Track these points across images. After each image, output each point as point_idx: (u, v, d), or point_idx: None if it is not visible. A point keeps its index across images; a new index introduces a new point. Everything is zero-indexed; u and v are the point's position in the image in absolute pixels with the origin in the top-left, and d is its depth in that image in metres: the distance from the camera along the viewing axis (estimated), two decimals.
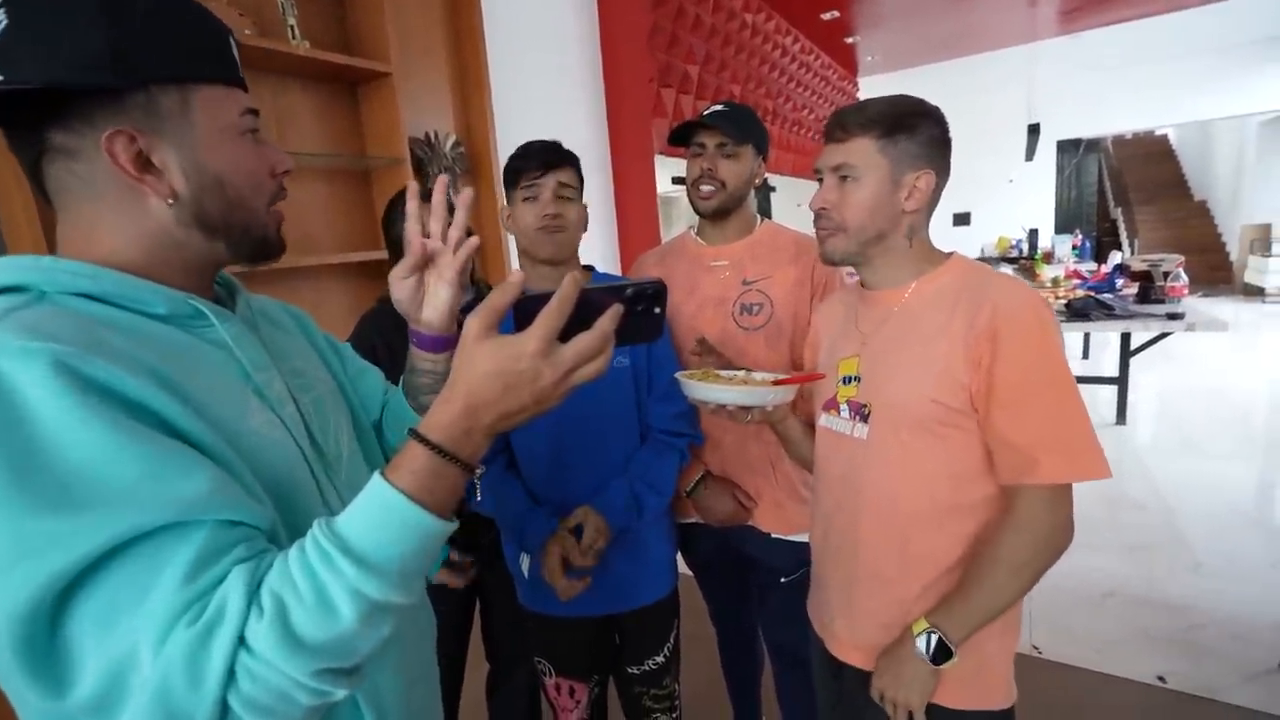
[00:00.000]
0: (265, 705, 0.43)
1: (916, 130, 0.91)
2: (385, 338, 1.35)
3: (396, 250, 1.43)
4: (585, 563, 1.12)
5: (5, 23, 0.47)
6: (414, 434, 0.49)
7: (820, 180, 0.97)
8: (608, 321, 0.50)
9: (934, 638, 0.88)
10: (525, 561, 1.24)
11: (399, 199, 1.45)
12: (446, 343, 0.76)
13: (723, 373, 1.11)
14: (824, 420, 1.06)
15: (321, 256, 1.92)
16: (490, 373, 0.48)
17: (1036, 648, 2.11)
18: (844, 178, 0.93)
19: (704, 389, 0.99)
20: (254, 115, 0.59)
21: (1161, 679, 1.95)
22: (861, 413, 0.98)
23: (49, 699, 0.41)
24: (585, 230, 1.25)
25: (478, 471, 0.51)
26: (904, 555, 0.95)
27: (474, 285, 1.51)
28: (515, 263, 2.39)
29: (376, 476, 0.48)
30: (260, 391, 0.58)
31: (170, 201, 0.54)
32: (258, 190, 0.60)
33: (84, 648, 0.41)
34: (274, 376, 0.61)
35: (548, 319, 0.49)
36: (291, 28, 1.86)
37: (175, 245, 0.56)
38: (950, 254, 0.98)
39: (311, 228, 2.01)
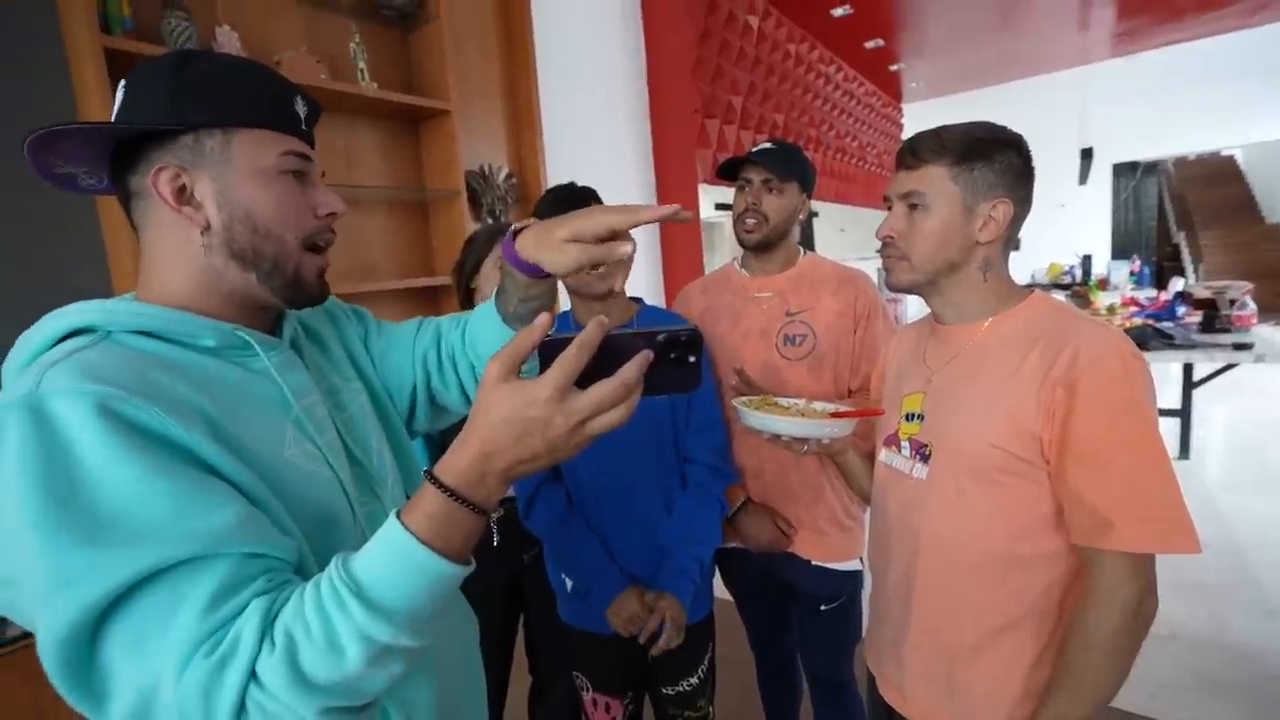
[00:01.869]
0: None
1: (993, 158, 0.86)
2: None
3: (467, 294, 1.47)
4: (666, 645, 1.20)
5: (122, 98, 0.59)
6: (429, 476, 0.50)
7: (889, 208, 0.94)
8: (632, 370, 0.48)
9: None
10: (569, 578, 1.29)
11: (474, 239, 1.50)
12: (537, 271, 0.67)
13: (781, 400, 1.10)
14: (884, 456, 1.02)
15: (381, 282, 2.03)
16: (505, 419, 0.48)
17: None
18: (913, 206, 0.89)
19: (762, 419, 0.99)
20: (301, 159, 0.63)
21: None
22: (922, 452, 0.94)
23: (92, 713, 0.46)
24: None
25: (494, 515, 0.50)
26: (957, 607, 0.90)
27: None
28: (563, 298, 2.48)
29: (392, 518, 0.49)
30: (300, 422, 0.61)
31: (203, 230, 0.59)
32: (289, 225, 0.62)
33: (118, 670, 0.45)
34: (316, 401, 0.64)
35: (563, 365, 0.47)
36: (361, 71, 2.01)
37: (217, 276, 0.60)
38: (1031, 290, 0.93)
39: (372, 255, 2.13)
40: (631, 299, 1.34)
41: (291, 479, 0.57)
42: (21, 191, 1.41)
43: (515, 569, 1.51)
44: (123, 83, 0.59)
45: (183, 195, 0.58)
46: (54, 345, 0.54)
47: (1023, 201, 0.89)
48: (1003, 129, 0.90)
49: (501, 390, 0.48)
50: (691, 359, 0.52)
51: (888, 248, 0.94)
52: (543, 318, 0.50)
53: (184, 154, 0.58)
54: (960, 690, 0.91)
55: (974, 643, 0.89)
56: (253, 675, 0.45)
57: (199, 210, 0.59)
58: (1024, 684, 0.88)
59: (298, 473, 0.58)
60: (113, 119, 0.58)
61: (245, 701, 0.45)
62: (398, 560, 0.48)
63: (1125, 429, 0.78)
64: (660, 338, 0.50)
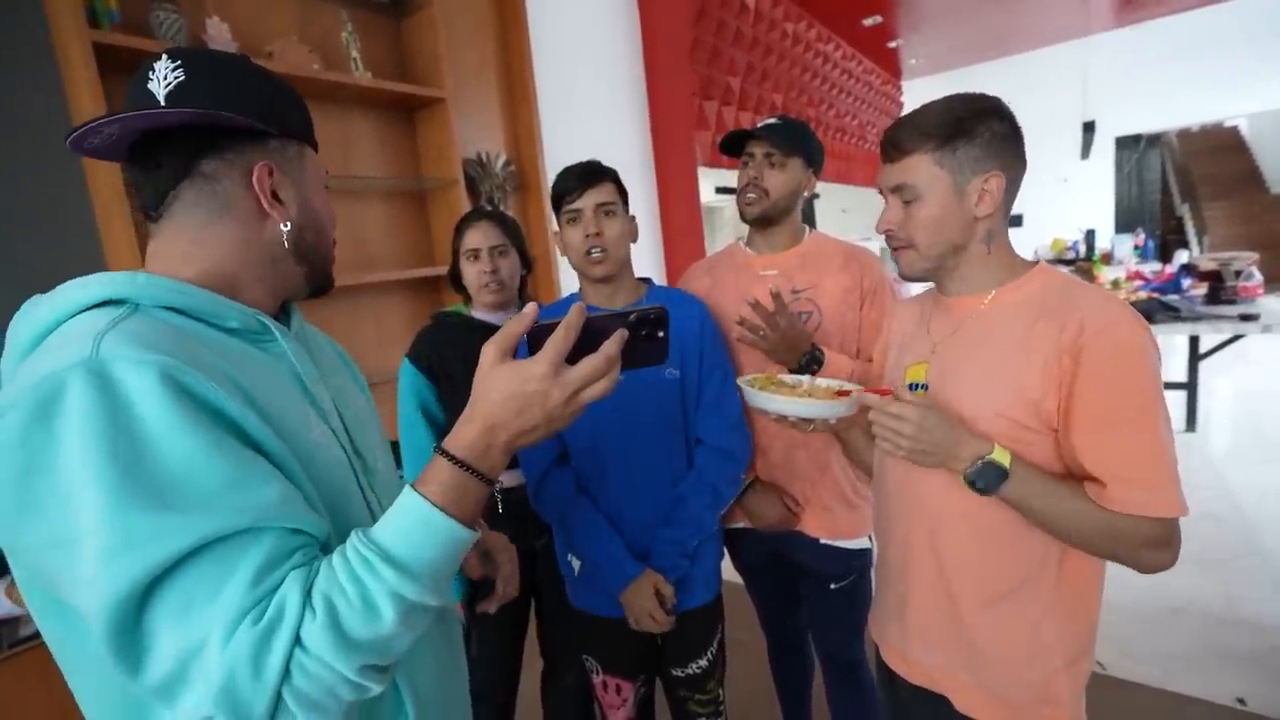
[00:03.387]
0: (314, 699, 0.49)
1: (975, 132, 0.85)
2: (439, 352, 1.46)
3: (457, 283, 1.53)
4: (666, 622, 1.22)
5: (182, 78, 0.58)
6: (440, 450, 0.55)
7: (885, 198, 0.94)
8: (612, 344, 0.55)
9: (1000, 471, 0.80)
10: (576, 563, 1.29)
11: (461, 223, 1.53)
12: None
13: (786, 378, 1.09)
14: None
15: (382, 274, 2.03)
16: (508, 395, 0.54)
17: (1100, 664, 2.03)
18: (906, 200, 0.89)
19: (768, 399, 0.98)
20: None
21: (1241, 701, 1.84)
22: None
23: (125, 675, 0.47)
24: (635, 240, 1.28)
25: (497, 485, 0.55)
26: (961, 572, 0.91)
27: (521, 303, 1.58)
28: (565, 278, 2.47)
29: (408, 489, 0.54)
30: (318, 404, 0.64)
31: (286, 226, 0.64)
32: (332, 231, 0.72)
33: (161, 634, 0.46)
34: (324, 389, 0.67)
35: (554, 345, 0.54)
36: (355, 60, 1.98)
37: (271, 264, 0.65)
38: (1035, 263, 0.92)
39: (372, 247, 2.12)
40: (640, 279, 1.33)
41: (316, 459, 0.60)
42: (13, 190, 1.41)
43: (528, 555, 1.51)
44: (176, 62, 0.58)
45: (272, 191, 0.63)
46: (79, 314, 0.54)
47: (1014, 168, 0.88)
48: (980, 97, 0.88)
49: (500, 370, 0.55)
50: (660, 334, 0.59)
51: (892, 239, 0.94)
52: (530, 306, 0.57)
53: (275, 156, 0.63)
54: (965, 653, 0.92)
55: (978, 607, 0.90)
56: (297, 640, 0.48)
57: (284, 208, 0.64)
58: (1028, 645, 0.89)
59: (321, 453, 0.61)
60: (163, 98, 0.57)
61: (290, 665, 0.47)
62: (418, 525, 0.52)
63: (1129, 399, 0.79)
64: (632, 317, 0.58)
